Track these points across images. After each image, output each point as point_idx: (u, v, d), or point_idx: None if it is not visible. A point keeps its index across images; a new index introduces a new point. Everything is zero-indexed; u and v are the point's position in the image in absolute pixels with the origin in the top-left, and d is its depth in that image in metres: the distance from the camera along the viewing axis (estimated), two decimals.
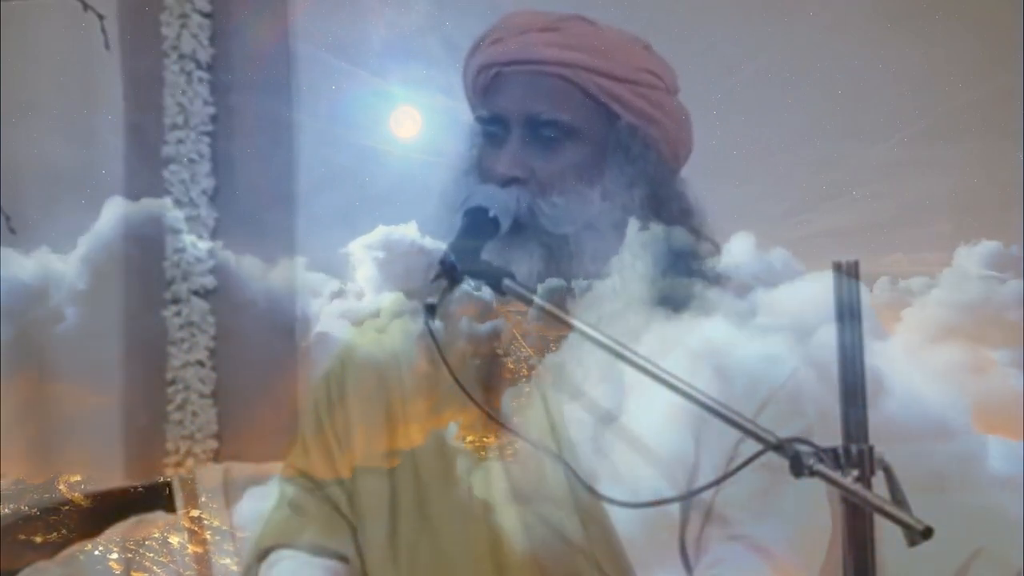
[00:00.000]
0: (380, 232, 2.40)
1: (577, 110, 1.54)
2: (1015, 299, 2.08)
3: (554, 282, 1.50)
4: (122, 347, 2.55)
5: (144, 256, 2.54)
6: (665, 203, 1.58)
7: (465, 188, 1.53)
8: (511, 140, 1.53)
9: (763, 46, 2.25)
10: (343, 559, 1.56)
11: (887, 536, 1.09)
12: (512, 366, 1.55)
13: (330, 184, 2.50)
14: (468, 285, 1.40)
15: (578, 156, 1.54)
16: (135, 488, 2.08)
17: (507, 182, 1.51)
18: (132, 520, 1.94)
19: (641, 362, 1.23)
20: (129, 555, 1.88)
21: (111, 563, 1.86)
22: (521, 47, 1.55)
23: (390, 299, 1.70)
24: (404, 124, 2.25)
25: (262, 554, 1.59)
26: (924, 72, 2.21)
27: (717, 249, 1.59)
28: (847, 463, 1.09)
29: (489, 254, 1.47)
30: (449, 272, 1.37)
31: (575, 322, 1.30)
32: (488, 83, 1.57)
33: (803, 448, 1.10)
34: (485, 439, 1.53)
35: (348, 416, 1.59)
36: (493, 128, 1.55)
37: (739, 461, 1.24)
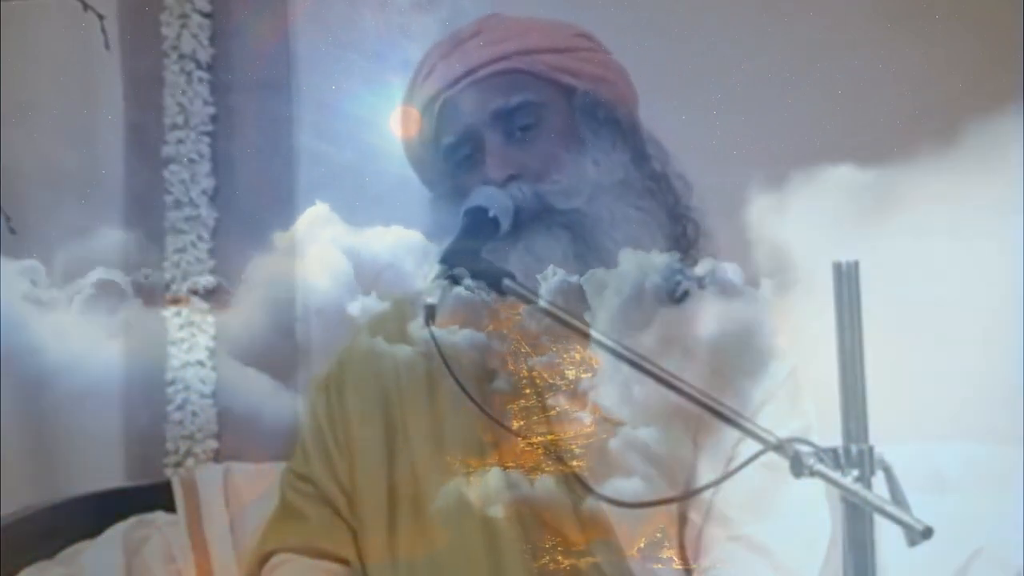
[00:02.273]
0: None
1: (536, 91, 1.55)
2: None
3: (563, 279, 1.50)
4: (122, 347, 2.55)
5: (144, 258, 2.54)
6: (647, 160, 1.59)
7: (449, 212, 1.54)
8: (490, 146, 1.53)
9: (763, 46, 2.25)
10: (344, 562, 1.56)
11: (887, 536, 1.08)
12: (512, 367, 1.54)
13: (330, 184, 2.49)
14: (468, 284, 1.40)
15: (555, 135, 1.55)
16: (135, 488, 2.08)
17: (504, 183, 1.51)
18: (132, 520, 1.94)
19: (639, 360, 1.23)
20: (129, 555, 1.88)
21: (111, 563, 1.86)
22: (457, 62, 1.56)
23: (392, 301, 1.70)
24: (405, 125, 2.25)
25: (263, 558, 1.60)
26: (924, 72, 2.20)
27: (697, 227, 1.59)
28: (847, 463, 1.08)
29: (519, 250, 1.47)
30: (448, 272, 1.37)
31: (574, 321, 1.30)
32: (438, 115, 1.56)
33: (803, 448, 1.10)
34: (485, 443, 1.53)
35: (347, 420, 1.60)
36: (464, 150, 1.55)
37: (738, 461, 1.24)
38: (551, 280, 1.48)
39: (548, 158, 1.53)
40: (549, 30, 1.59)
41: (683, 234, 1.58)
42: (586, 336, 1.27)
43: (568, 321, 1.30)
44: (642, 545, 1.45)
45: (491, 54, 1.54)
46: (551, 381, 1.53)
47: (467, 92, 1.54)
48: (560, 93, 1.56)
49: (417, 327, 1.49)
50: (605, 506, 1.43)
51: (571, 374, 1.53)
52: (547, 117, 1.54)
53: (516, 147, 1.53)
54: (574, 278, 1.49)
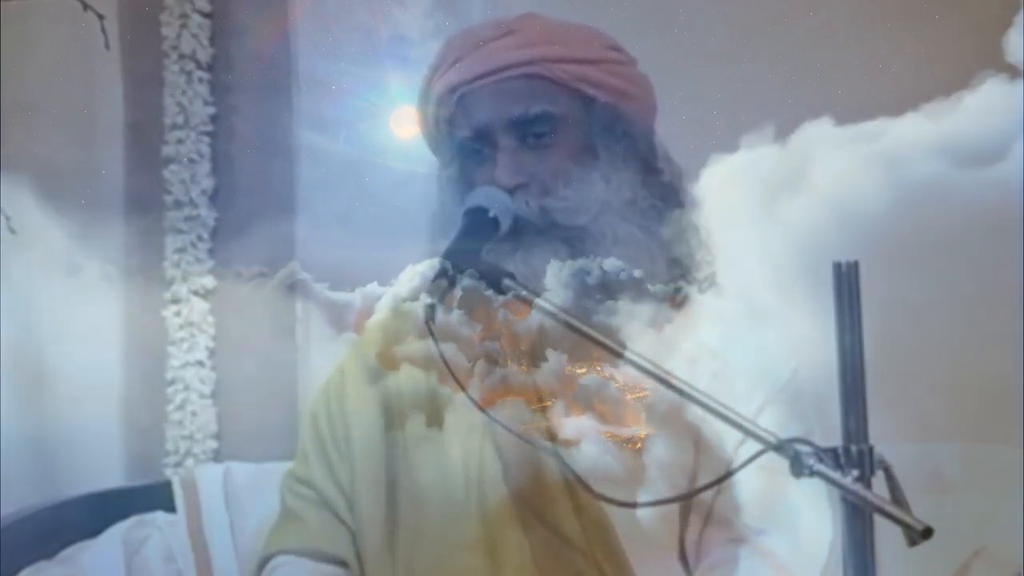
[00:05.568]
0: None
1: (556, 101, 1.54)
2: None
3: (570, 273, 1.49)
4: (122, 347, 2.55)
5: (144, 255, 2.54)
6: (657, 174, 1.59)
7: (453, 195, 1.54)
8: (503, 150, 1.53)
9: (764, 46, 2.25)
10: (343, 564, 1.56)
11: (887, 536, 1.08)
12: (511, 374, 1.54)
13: (331, 184, 2.50)
14: (469, 281, 1.39)
15: (570, 146, 1.54)
16: (135, 488, 2.08)
17: (512, 190, 1.51)
18: (132, 520, 1.93)
19: (642, 363, 1.22)
20: (129, 555, 1.88)
21: (111, 563, 1.86)
22: (483, 59, 1.55)
23: (393, 303, 1.69)
24: (405, 124, 2.25)
25: (263, 560, 1.60)
26: (924, 72, 2.20)
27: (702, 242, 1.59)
28: (847, 463, 1.08)
29: (516, 261, 1.47)
30: (448, 272, 1.37)
31: (574, 321, 1.30)
32: (455, 106, 1.56)
33: (803, 448, 1.10)
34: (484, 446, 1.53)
35: (347, 423, 1.60)
36: (477, 146, 1.55)
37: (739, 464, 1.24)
38: (561, 274, 1.48)
39: (559, 170, 1.53)
40: (581, 39, 1.58)
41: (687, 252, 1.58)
42: (586, 336, 1.27)
43: (567, 320, 1.30)
44: (642, 546, 1.46)
45: (519, 57, 1.54)
46: (553, 383, 1.52)
47: (488, 91, 1.54)
48: (579, 103, 1.56)
49: (417, 329, 1.49)
50: (606, 506, 1.43)
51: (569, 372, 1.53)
52: (564, 128, 1.54)
53: (528, 154, 1.53)
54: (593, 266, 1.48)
